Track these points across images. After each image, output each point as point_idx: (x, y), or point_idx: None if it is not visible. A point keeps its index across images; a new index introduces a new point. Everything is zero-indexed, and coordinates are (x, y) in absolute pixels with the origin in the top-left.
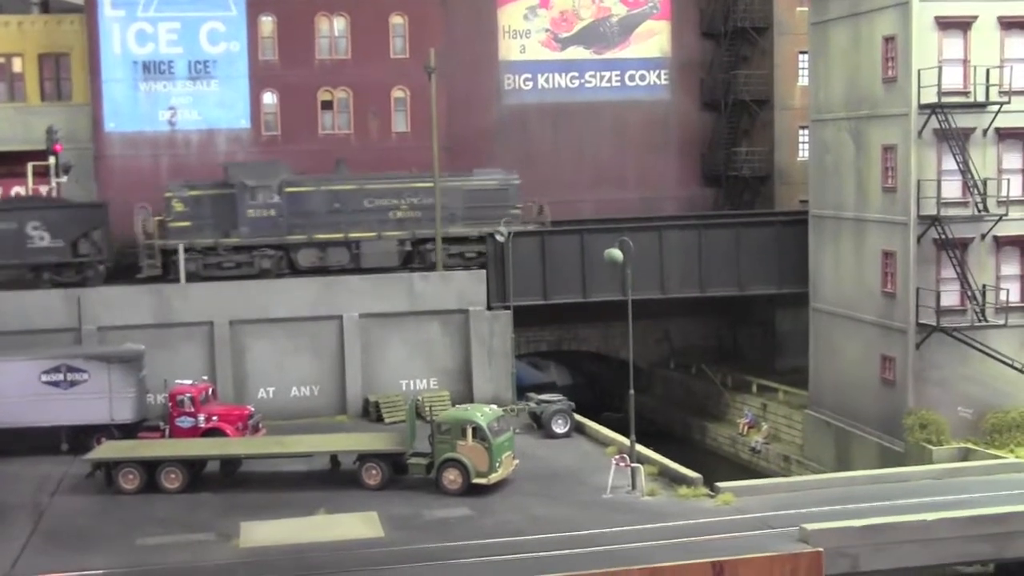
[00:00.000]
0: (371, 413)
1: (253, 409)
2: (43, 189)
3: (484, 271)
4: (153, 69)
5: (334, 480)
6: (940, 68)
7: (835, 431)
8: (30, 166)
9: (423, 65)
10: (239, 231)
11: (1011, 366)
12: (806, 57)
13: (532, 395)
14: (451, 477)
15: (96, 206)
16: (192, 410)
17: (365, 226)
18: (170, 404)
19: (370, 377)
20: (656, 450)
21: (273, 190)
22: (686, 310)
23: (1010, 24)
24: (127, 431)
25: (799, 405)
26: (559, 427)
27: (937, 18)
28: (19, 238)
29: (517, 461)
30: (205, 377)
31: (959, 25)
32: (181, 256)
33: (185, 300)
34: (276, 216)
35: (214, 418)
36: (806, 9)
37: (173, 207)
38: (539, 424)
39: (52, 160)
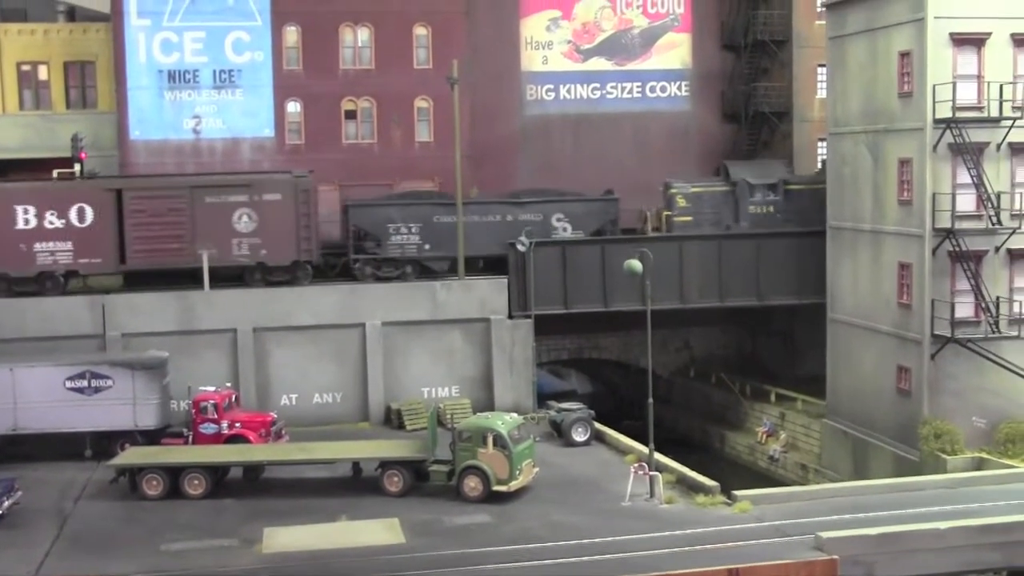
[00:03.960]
0: (393, 420)
1: (276, 416)
2: None
3: (506, 280)
4: (178, 78)
5: (356, 487)
6: (955, 83)
7: (852, 440)
8: (55, 173)
9: (446, 76)
10: (739, 225)
11: None
12: (825, 70)
13: (552, 403)
14: (472, 484)
15: (612, 200)
16: (215, 417)
17: None
18: (193, 411)
19: (392, 384)
20: (675, 458)
21: (774, 188)
22: (706, 320)
23: (1022, 41)
24: (150, 437)
25: (817, 414)
26: (579, 435)
27: (952, 34)
28: (545, 229)
29: (537, 469)
30: (228, 384)
31: (973, 41)
32: None
33: (209, 307)
34: (775, 212)
35: (237, 425)
36: (825, 23)
37: (677, 202)
38: (559, 432)
39: (77, 167)
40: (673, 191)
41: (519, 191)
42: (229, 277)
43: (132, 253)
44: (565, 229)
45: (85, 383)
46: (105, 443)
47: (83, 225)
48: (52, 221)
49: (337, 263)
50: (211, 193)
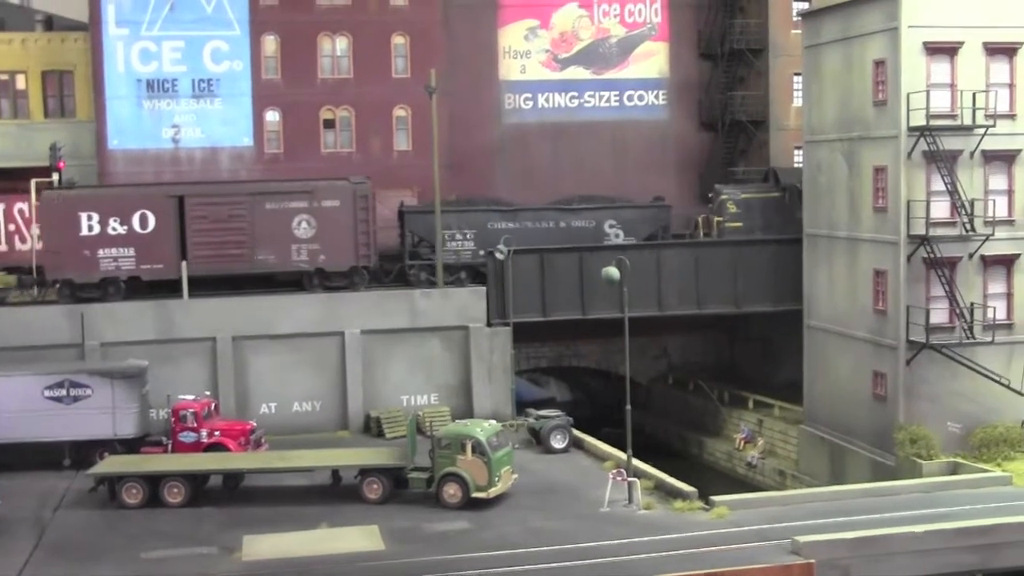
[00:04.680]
0: (372, 428)
1: (255, 424)
2: None
3: (484, 288)
4: (157, 87)
5: (335, 494)
6: (928, 92)
7: (829, 446)
8: (33, 183)
9: (424, 85)
10: (787, 232)
11: (998, 382)
12: (800, 79)
13: (531, 411)
14: (451, 491)
15: (664, 207)
16: (195, 425)
17: None
18: (173, 419)
19: (371, 393)
20: (654, 465)
21: None
22: (684, 327)
23: (994, 50)
24: (130, 446)
25: (794, 420)
26: (558, 442)
27: (925, 43)
28: (597, 235)
29: (516, 475)
30: (208, 392)
31: (946, 50)
32: None
33: (188, 316)
34: None
35: (216, 433)
36: (801, 32)
37: (728, 208)
38: (538, 439)
39: (55, 177)
40: (724, 197)
41: (571, 198)
42: (287, 283)
43: (193, 259)
44: (617, 236)
45: (64, 392)
46: (84, 452)
47: (145, 231)
48: (115, 227)
49: (392, 269)
50: (271, 199)
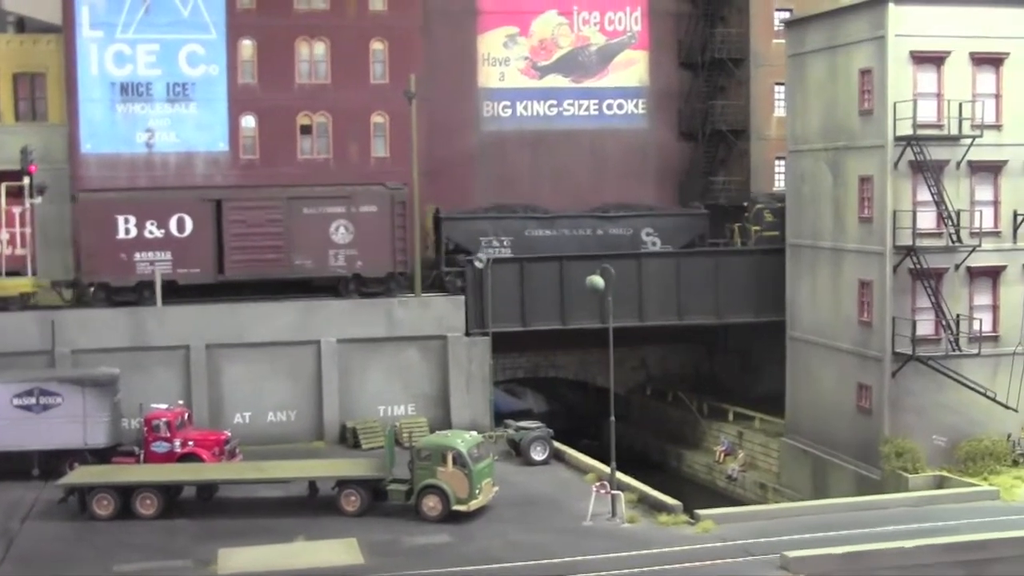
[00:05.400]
0: (348, 439)
1: (230, 434)
2: (16, 211)
3: (463, 297)
4: (131, 90)
5: (312, 506)
6: (915, 101)
7: (812, 459)
8: (3, 186)
9: (403, 91)
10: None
11: (984, 395)
12: (782, 89)
13: (510, 422)
14: (431, 504)
15: (701, 214)
16: (168, 435)
17: None
18: (145, 429)
19: (348, 403)
20: (632, 477)
21: None
22: (663, 338)
23: (981, 60)
24: (101, 456)
25: (775, 433)
26: (537, 454)
27: (912, 52)
28: (634, 243)
29: (497, 488)
30: (181, 402)
31: (933, 60)
32: None
33: (161, 323)
34: None
35: (190, 443)
36: (782, 42)
37: (765, 217)
38: (517, 451)
39: (26, 180)
40: (760, 206)
41: (608, 205)
42: (323, 288)
43: (230, 263)
44: (654, 243)
45: (33, 400)
46: (54, 462)
47: (182, 235)
48: (152, 231)
49: (429, 275)
50: (309, 204)
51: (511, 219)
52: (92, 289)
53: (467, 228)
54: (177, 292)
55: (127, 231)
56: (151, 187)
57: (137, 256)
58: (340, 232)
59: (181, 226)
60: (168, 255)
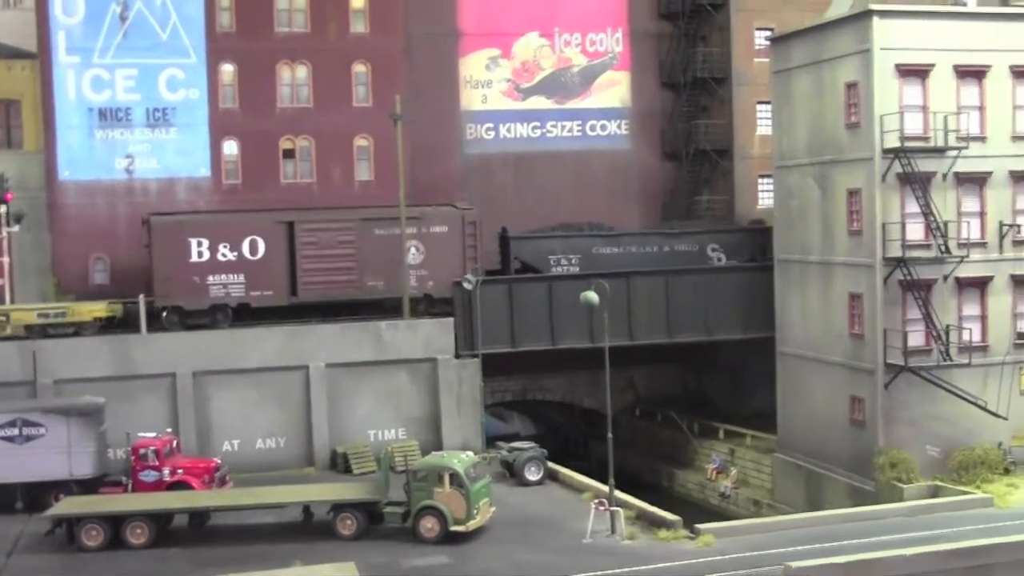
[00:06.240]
0: (339, 464)
1: (220, 462)
2: None
3: (451, 319)
4: (110, 116)
5: (307, 531)
6: (901, 114)
7: (805, 473)
8: None
9: (388, 113)
10: None
11: (975, 404)
12: (765, 107)
13: (501, 444)
14: (428, 525)
15: (763, 229)
16: (156, 464)
17: None
18: (133, 458)
19: (337, 428)
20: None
21: None
22: (652, 358)
23: (964, 73)
24: (87, 487)
25: (767, 449)
26: (532, 474)
27: (897, 66)
28: (700, 258)
29: (494, 508)
30: (169, 430)
31: (918, 73)
32: None
33: (147, 351)
34: None
35: (179, 471)
36: (764, 60)
37: None
38: (511, 472)
39: (3, 209)
40: None
41: (674, 223)
42: (393, 309)
43: (303, 285)
44: (720, 259)
45: (16, 431)
46: (38, 494)
47: (255, 258)
48: (225, 254)
49: None
50: (380, 225)
51: (579, 238)
52: (165, 313)
53: (536, 247)
54: (252, 315)
55: (200, 254)
56: (223, 209)
57: (210, 279)
58: (411, 253)
59: (254, 248)
60: (241, 278)
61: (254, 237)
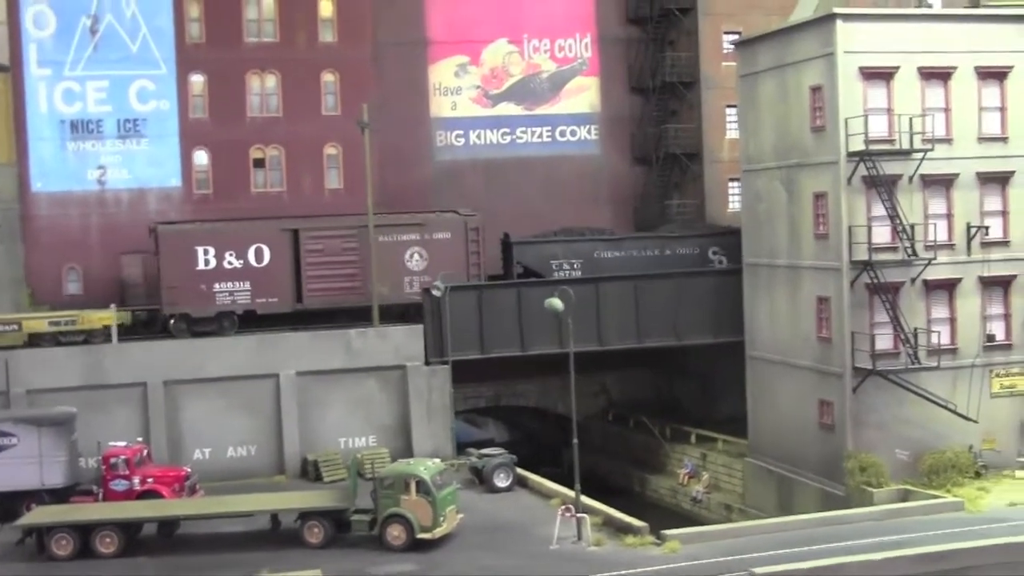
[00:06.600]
0: (310, 472)
1: (190, 470)
2: None
3: (421, 326)
4: (81, 128)
5: (275, 540)
6: (866, 117)
7: (776, 478)
8: None
9: (356, 121)
10: None
11: (944, 407)
12: (733, 111)
13: (472, 450)
14: (395, 533)
15: None
16: (127, 472)
17: None
18: (104, 467)
19: (308, 436)
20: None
21: None
22: (623, 363)
23: (929, 75)
24: (58, 496)
25: (738, 454)
26: (501, 481)
27: (861, 68)
28: (701, 261)
29: (462, 515)
30: (140, 439)
31: (882, 75)
32: None
33: (118, 361)
34: None
35: (150, 480)
36: (732, 64)
37: None
38: (481, 479)
39: None
40: None
41: (675, 226)
42: (396, 315)
43: (308, 292)
44: (721, 261)
45: None
46: (9, 504)
47: (260, 265)
48: (231, 262)
49: None
50: (384, 232)
51: (581, 242)
52: (172, 320)
53: (538, 252)
54: (257, 321)
55: (206, 262)
56: (230, 218)
57: (216, 287)
58: (415, 259)
59: (259, 256)
60: (247, 285)
61: (259, 245)
